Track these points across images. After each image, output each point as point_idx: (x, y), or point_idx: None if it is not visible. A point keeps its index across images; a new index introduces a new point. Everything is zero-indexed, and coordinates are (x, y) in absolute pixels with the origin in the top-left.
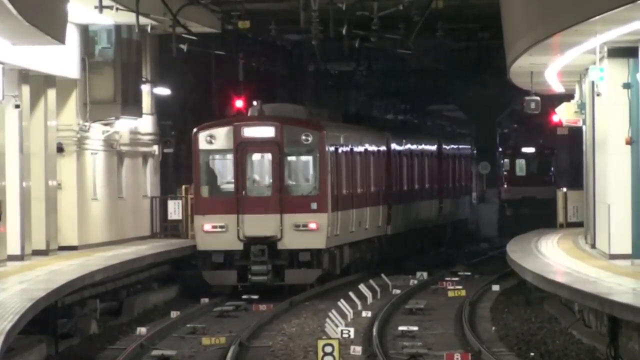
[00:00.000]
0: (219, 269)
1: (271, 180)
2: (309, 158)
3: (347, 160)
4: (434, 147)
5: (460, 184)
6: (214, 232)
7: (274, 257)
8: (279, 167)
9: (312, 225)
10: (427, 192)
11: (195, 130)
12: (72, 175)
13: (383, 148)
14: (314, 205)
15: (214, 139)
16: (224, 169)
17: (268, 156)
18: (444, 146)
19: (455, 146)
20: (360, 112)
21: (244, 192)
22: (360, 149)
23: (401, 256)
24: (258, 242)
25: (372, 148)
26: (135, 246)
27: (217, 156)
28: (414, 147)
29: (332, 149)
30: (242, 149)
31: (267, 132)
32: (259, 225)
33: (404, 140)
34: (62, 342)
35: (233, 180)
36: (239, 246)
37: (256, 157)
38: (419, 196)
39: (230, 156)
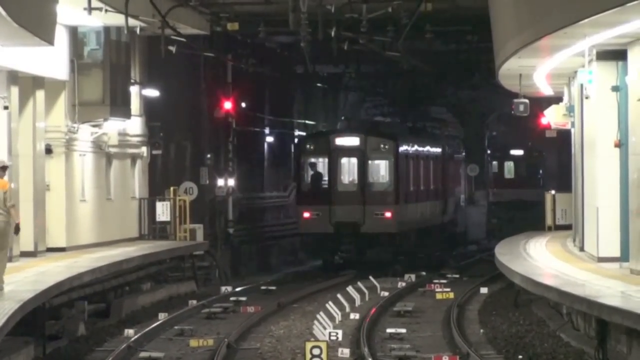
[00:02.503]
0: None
1: (356, 179)
2: (385, 162)
3: (412, 163)
4: (440, 150)
5: (455, 185)
6: (312, 218)
7: (357, 238)
8: (362, 168)
9: (387, 214)
10: (438, 192)
11: (299, 139)
12: (60, 176)
13: (438, 151)
14: (389, 199)
15: (313, 146)
16: (320, 169)
17: (354, 160)
18: (447, 149)
19: (452, 148)
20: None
21: (335, 188)
22: (422, 154)
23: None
24: (345, 227)
25: (430, 153)
26: (123, 248)
27: (315, 159)
28: (434, 150)
29: (402, 154)
30: (334, 154)
31: (353, 141)
32: (346, 213)
33: (425, 144)
34: (49, 343)
35: (327, 179)
36: (331, 229)
37: (345, 160)
38: (435, 195)
39: (325, 160)
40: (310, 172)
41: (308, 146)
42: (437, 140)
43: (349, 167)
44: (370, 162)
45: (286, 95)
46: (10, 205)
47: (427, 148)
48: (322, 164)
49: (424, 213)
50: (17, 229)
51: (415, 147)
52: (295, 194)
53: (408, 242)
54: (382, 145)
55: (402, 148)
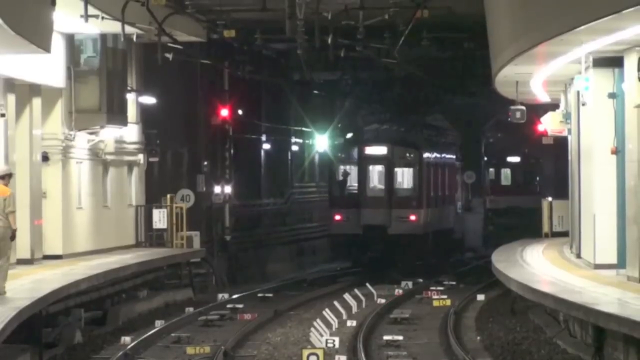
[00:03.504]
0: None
1: (383, 185)
2: (411, 169)
3: (432, 170)
4: (454, 157)
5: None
6: (342, 220)
7: (384, 239)
8: (389, 175)
9: (412, 217)
10: (451, 197)
11: (331, 148)
12: (57, 184)
13: (452, 157)
14: (414, 203)
15: (344, 154)
16: (351, 176)
17: (382, 167)
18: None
19: (453, 156)
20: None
21: (364, 193)
22: (439, 162)
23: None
24: (373, 229)
25: (444, 161)
26: (120, 255)
27: (346, 167)
28: (448, 157)
29: (425, 162)
30: (363, 162)
31: (381, 150)
32: (374, 216)
33: (441, 153)
34: (46, 351)
35: (357, 184)
36: (360, 231)
37: (373, 168)
38: (449, 200)
39: (355, 167)
40: (341, 179)
41: (340, 154)
42: (449, 148)
43: (377, 174)
44: (396, 169)
45: (283, 102)
46: (9, 211)
47: (443, 156)
48: (352, 171)
49: (441, 216)
50: (12, 236)
51: (434, 155)
52: (328, 198)
53: (429, 243)
54: (407, 154)
55: (425, 156)
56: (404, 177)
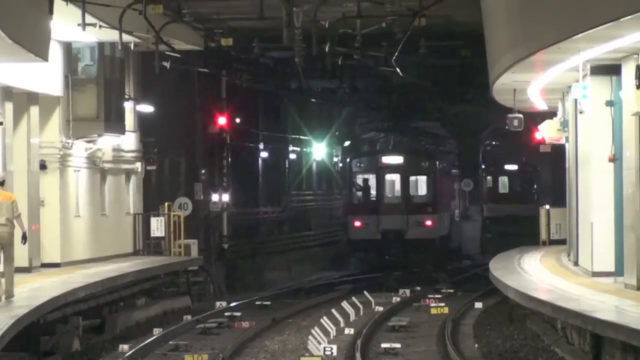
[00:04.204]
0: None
1: (400, 192)
2: (425, 177)
3: (443, 178)
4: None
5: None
6: (362, 226)
7: (402, 243)
8: (405, 183)
9: (428, 223)
10: (456, 203)
11: (349, 158)
12: (54, 192)
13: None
14: (429, 209)
15: (362, 164)
16: (369, 185)
17: (398, 176)
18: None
19: (452, 163)
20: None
21: (382, 200)
22: (447, 170)
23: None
24: (391, 233)
25: (450, 169)
26: (117, 263)
27: (364, 176)
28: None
29: (439, 171)
30: (381, 171)
31: (397, 160)
32: (392, 221)
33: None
34: (44, 359)
35: (375, 192)
36: (378, 236)
37: (390, 176)
38: (454, 206)
39: (373, 176)
40: (360, 187)
41: (358, 164)
42: (448, 156)
43: (393, 182)
44: (412, 177)
45: (280, 111)
46: (16, 215)
47: (449, 165)
48: (370, 180)
49: (450, 221)
50: (24, 238)
51: (444, 164)
52: (346, 206)
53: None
54: (422, 163)
55: (438, 165)
56: (419, 184)
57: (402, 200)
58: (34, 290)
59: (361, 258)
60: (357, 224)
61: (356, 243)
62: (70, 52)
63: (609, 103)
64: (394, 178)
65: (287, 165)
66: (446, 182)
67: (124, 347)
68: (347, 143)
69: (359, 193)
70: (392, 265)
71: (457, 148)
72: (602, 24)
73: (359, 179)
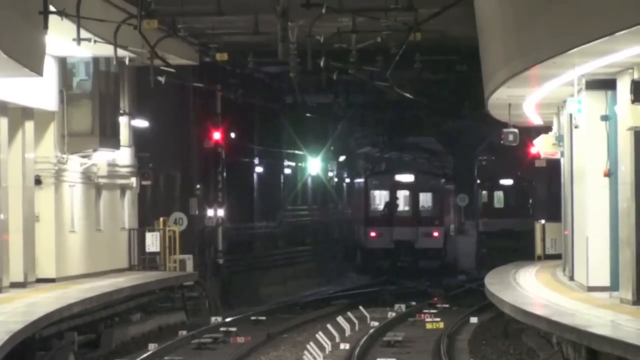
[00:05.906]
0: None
1: (410, 207)
2: (431, 194)
3: (446, 194)
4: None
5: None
6: (377, 237)
7: (412, 252)
8: (415, 199)
9: (435, 234)
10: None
11: (365, 176)
12: (49, 207)
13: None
14: (436, 222)
15: (376, 181)
16: (383, 199)
17: (408, 192)
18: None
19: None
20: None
21: (395, 213)
22: (449, 187)
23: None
24: (403, 243)
25: (450, 186)
26: (113, 278)
27: (379, 192)
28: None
29: (444, 188)
30: (393, 187)
31: (408, 178)
32: (403, 232)
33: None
34: None
35: (389, 207)
36: (391, 245)
37: (401, 192)
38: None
39: (387, 192)
40: (376, 202)
41: (373, 182)
42: (444, 171)
43: (405, 198)
44: (421, 194)
45: (275, 126)
46: None
47: (449, 182)
48: (384, 195)
49: (445, 236)
50: None
51: (446, 181)
52: (361, 218)
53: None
54: (430, 181)
55: (442, 182)
56: (427, 200)
57: (412, 214)
58: (29, 306)
59: (377, 264)
60: (373, 234)
61: (371, 252)
62: (65, 67)
63: (604, 118)
64: (405, 194)
65: (282, 180)
66: (447, 197)
67: None
68: (342, 158)
69: (378, 207)
70: (403, 270)
71: (452, 162)
72: (597, 38)
73: (376, 195)
